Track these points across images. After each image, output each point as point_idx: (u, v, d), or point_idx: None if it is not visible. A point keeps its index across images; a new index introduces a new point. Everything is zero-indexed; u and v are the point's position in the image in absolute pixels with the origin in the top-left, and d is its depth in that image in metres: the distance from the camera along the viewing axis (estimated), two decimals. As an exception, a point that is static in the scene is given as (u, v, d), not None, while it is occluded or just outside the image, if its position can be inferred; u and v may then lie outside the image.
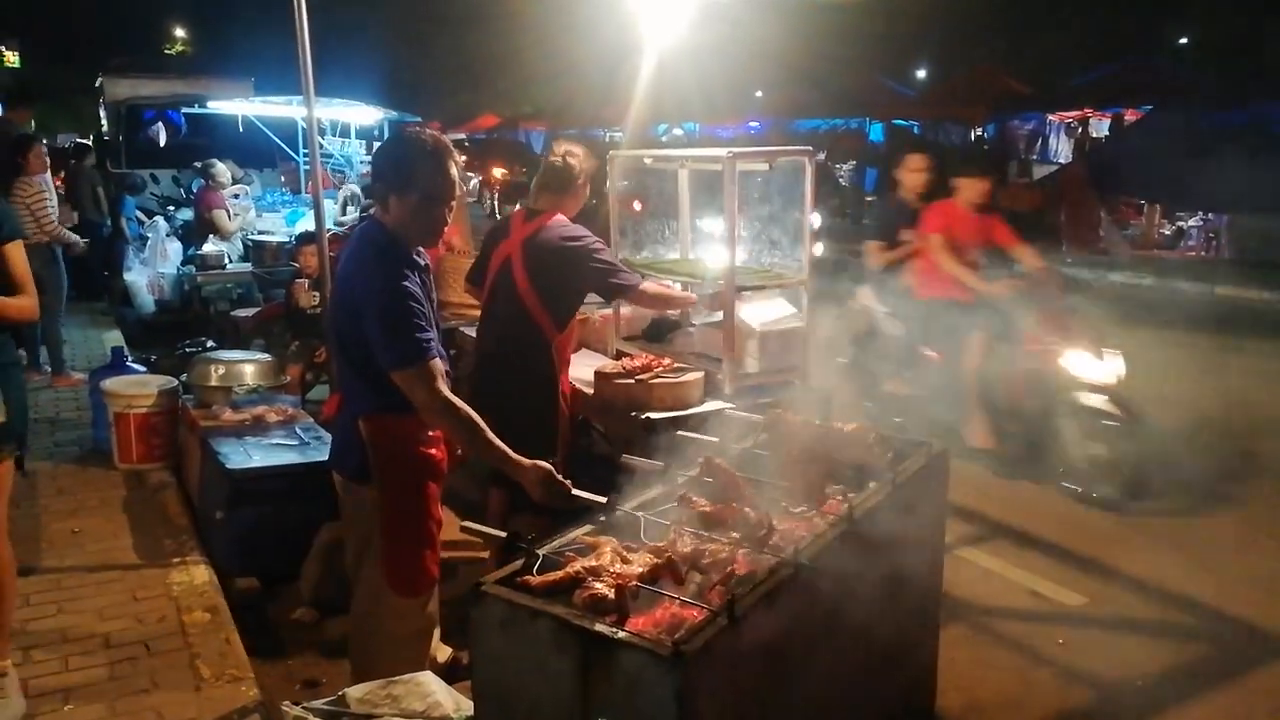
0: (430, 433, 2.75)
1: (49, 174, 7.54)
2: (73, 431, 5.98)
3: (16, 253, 3.11)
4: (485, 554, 3.99)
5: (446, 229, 2.81)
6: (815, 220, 11.59)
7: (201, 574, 4.07)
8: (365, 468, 2.74)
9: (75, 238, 7.44)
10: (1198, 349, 8.39)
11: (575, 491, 2.48)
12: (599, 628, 1.91)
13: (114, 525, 4.59)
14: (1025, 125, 21.69)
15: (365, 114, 10.94)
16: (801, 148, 3.92)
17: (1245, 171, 12.19)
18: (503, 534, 2.30)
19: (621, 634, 1.89)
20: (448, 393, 2.55)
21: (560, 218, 3.74)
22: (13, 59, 42.08)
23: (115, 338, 8.34)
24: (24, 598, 3.63)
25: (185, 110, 11.16)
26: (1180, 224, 15.22)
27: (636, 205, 5.21)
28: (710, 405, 3.68)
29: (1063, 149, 21.63)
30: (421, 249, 2.76)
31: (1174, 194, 14.05)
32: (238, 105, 10.26)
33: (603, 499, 2.41)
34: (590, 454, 5.01)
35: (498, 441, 2.52)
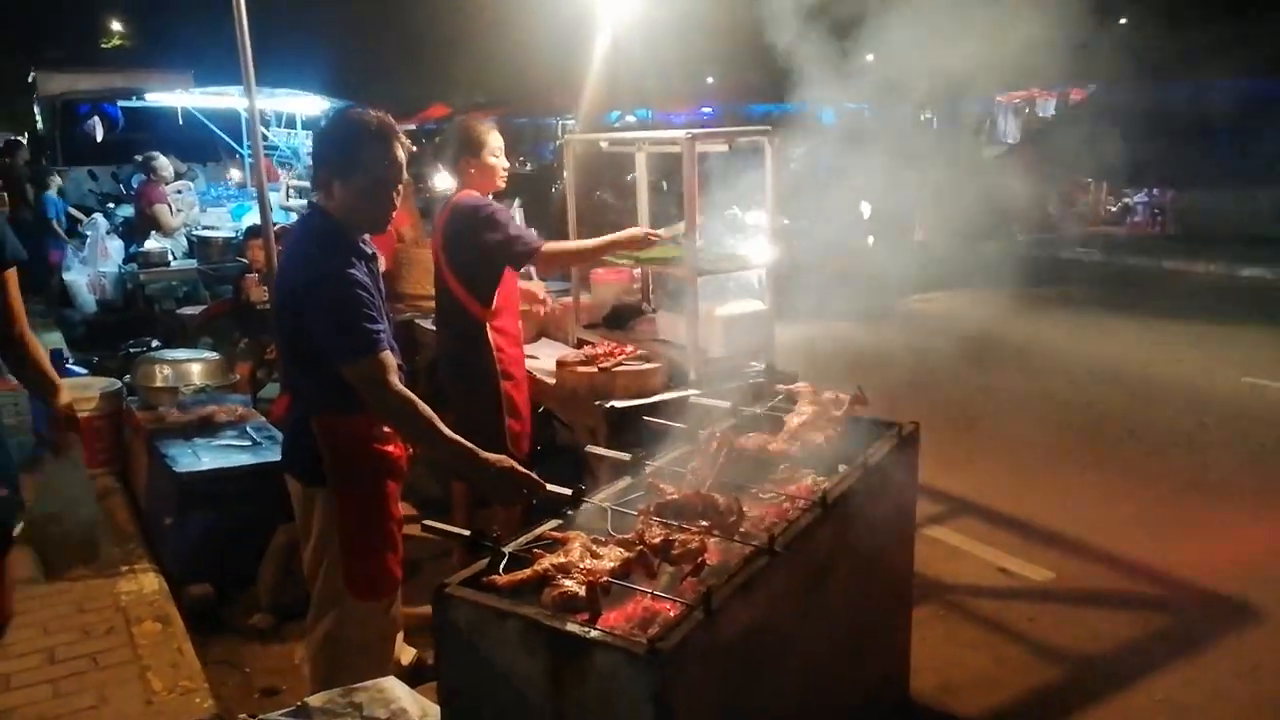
0: (386, 429, 2.64)
1: None
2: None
3: (14, 281, 2.65)
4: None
5: (396, 218, 2.70)
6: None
7: (151, 582, 3.92)
8: (319, 469, 2.61)
9: None
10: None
11: (541, 484, 2.38)
12: (570, 627, 1.83)
13: (58, 535, 4.40)
14: (973, 107, 21.88)
15: (310, 104, 10.68)
16: (761, 128, 3.85)
17: (1189, 148, 12.41)
18: (466, 532, 2.20)
19: (594, 633, 1.81)
20: (401, 387, 2.43)
21: (466, 195, 3.65)
22: (-56, 55, 40.58)
23: (55, 339, 8.03)
24: (-39, 615, 3.46)
25: (122, 104, 10.79)
26: (1126, 200, 15.50)
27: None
28: (675, 392, 3.61)
29: (1011, 129, 21.87)
30: (368, 237, 2.64)
31: (1120, 171, 14.29)
32: (177, 97, 9.95)
33: (567, 491, 2.31)
34: (553, 445, 4.93)
35: (455, 437, 2.40)
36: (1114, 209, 15.61)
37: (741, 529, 2.23)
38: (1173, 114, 12.67)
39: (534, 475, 2.37)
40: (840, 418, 2.82)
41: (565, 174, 4.55)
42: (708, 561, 2.09)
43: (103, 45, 36.65)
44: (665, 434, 2.84)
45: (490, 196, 3.73)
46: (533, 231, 3.77)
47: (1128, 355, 7.79)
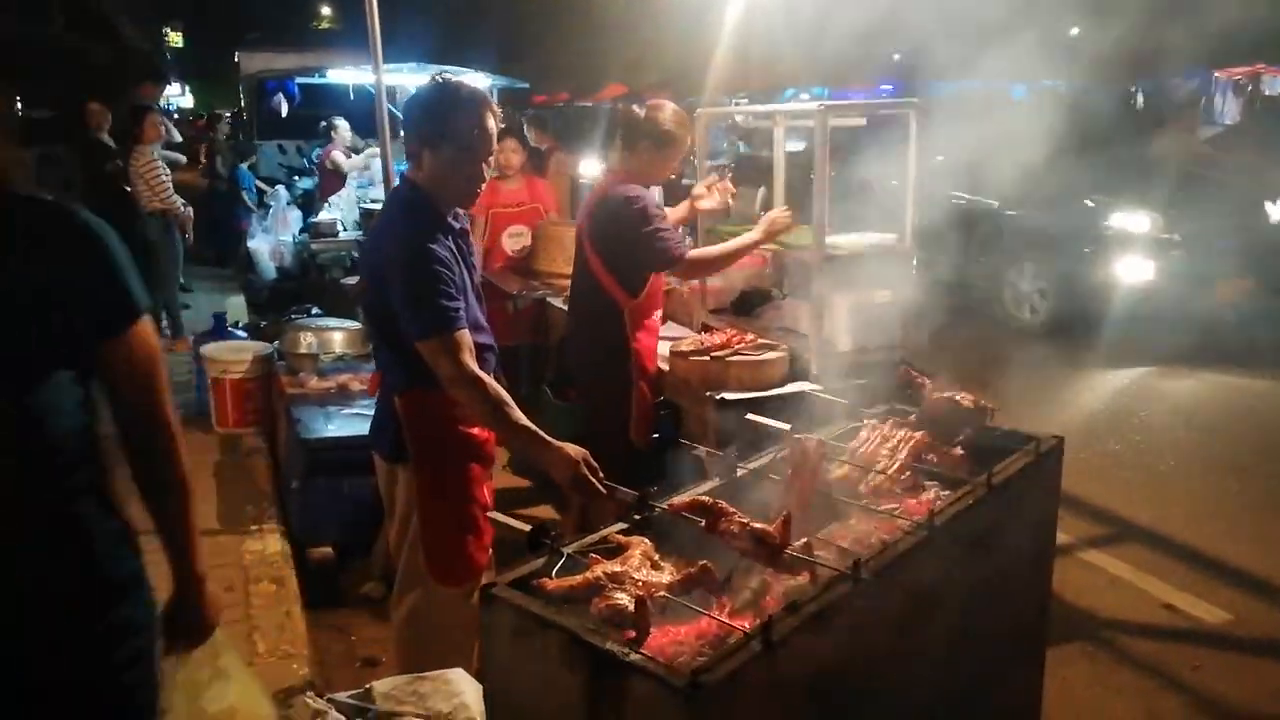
0: (471, 409, 2.54)
1: (160, 143, 7.80)
2: (181, 394, 6.12)
3: (143, 340, 1.60)
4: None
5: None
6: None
7: (274, 543, 4.04)
8: (402, 446, 2.56)
9: (182, 209, 7.60)
10: None
11: (607, 484, 2.22)
12: (609, 646, 1.65)
13: (202, 489, 4.53)
14: (1187, 83, 19.89)
15: (476, 82, 10.89)
16: (906, 100, 3.50)
17: None
18: (527, 527, 2.06)
19: (633, 656, 1.63)
20: (474, 366, 2.32)
21: (622, 185, 3.43)
22: (177, 39, 44.74)
23: (238, 303, 8.55)
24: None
25: (301, 81, 11.38)
26: (1369, 191, 13.62)
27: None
28: (793, 386, 3.35)
29: (1230, 109, 19.75)
30: (460, 211, 2.53)
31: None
32: (350, 74, 10.36)
33: (634, 493, 2.13)
34: (675, 433, 4.75)
35: (525, 421, 2.28)
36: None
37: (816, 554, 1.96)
38: None
39: (596, 479, 2.20)
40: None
41: (695, 157, 4.33)
42: (778, 586, 1.86)
43: (314, 27, 39.32)
44: (768, 431, 2.60)
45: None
46: (680, 236, 3.57)
47: None
